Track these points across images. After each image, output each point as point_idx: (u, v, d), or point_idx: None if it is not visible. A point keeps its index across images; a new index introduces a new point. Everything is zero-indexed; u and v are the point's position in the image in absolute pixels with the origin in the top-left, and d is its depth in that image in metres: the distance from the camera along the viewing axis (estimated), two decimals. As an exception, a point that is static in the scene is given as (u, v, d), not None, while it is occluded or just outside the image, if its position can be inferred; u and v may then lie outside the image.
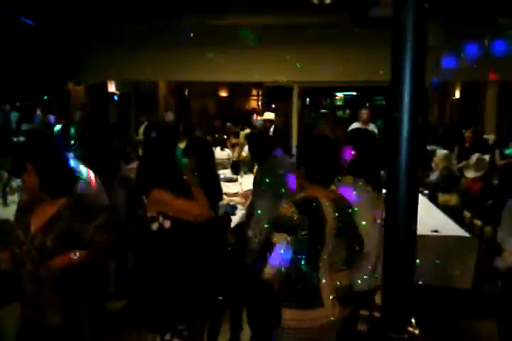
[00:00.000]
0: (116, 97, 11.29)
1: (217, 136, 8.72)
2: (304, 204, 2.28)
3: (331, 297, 2.26)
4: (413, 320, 1.11)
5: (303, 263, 2.25)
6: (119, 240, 2.46)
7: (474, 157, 5.57)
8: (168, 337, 2.59)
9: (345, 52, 8.07)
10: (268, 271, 2.22)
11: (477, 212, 5.11)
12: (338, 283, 2.31)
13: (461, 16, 6.90)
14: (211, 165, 3.43)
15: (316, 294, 2.26)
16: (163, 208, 2.54)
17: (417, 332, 1.10)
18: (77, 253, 2.26)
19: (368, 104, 13.02)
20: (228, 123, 9.88)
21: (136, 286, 2.74)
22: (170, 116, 9.19)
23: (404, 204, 1.10)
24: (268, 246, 2.29)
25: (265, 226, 3.29)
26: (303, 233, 2.23)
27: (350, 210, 2.41)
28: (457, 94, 12.57)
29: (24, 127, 10.01)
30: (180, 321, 2.62)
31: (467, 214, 5.33)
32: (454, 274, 3.85)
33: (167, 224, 2.56)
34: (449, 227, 4.26)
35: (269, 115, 8.42)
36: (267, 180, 3.50)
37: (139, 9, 6.96)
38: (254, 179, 3.84)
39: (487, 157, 6.22)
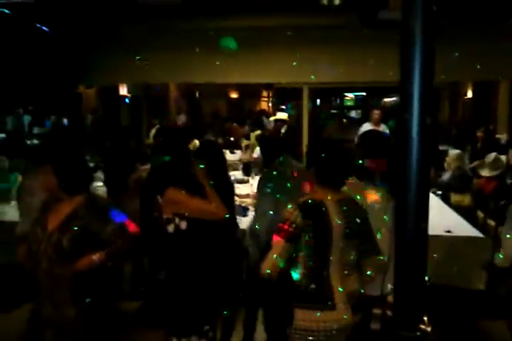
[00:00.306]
0: (127, 100, 11.38)
1: (226, 137, 8.74)
2: (308, 208, 2.28)
3: (343, 301, 2.25)
4: (425, 318, 1.12)
5: (311, 265, 2.26)
6: (136, 243, 2.49)
7: (491, 156, 5.49)
8: (194, 339, 2.61)
9: (355, 53, 8.06)
10: (265, 268, 2.25)
11: (490, 212, 5.07)
12: (349, 287, 2.29)
13: (471, 16, 6.87)
14: (223, 168, 3.45)
15: (328, 297, 2.25)
16: (179, 208, 2.55)
17: (429, 329, 1.11)
18: (98, 255, 2.31)
19: (378, 105, 12.99)
20: (234, 124, 9.85)
21: (154, 289, 2.76)
22: (182, 119, 9.23)
23: (415, 204, 1.12)
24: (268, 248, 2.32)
25: (256, 227, 3.30)
26: (307, 237, 2.24)
27: (359, 212, 2.39)
28: (469, 94, 12.49)
29: (36, 130, 10.14)
30: (206, 321, 2.64)
31: (480, 214, 5.29)
32: (468, 275, 3.82)
33: (183, 225, 2.57)
34: (462, 228, 4.23)
35: (282, 115, 8.27)
36: (271, 183, 3.50)
37: (149, 11, 7.01)
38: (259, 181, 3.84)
39: (504, 157, 6.15)
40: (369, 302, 2.04)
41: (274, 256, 2.23)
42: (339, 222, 2.27)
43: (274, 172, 3.48)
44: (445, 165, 6.28)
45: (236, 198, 4.95)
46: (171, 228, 2.56)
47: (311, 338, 2.24)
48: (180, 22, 7.53)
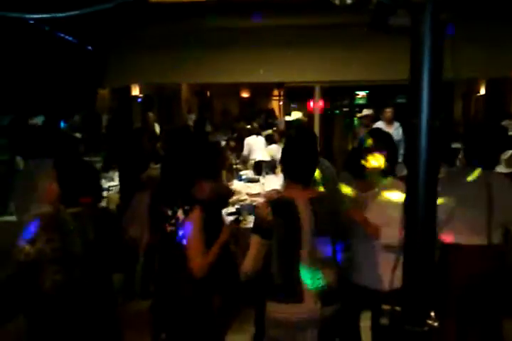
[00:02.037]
0: (140, 100, 11.46)
1: (234, 135, 8.68)
2: (279, 205, 2.35)
3: (312, 294, 2.33)
4: (432, 313, 1.16)
5: (282, 260, 2.35)
6: None
7: (508, 152, 5.42)
8: None
9: (366, 51, 8.04)
10: (245, 268, 2.36)
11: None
12: (320, 281, 2.36)
13: (482, 14, 6.83)
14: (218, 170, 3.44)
15: (296, 290, 2.33)
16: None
17: (436, 324, 1.15)
18: None
19: (390, 103, 12.90)
20: (241, 123, 9.81)
21: (162, 290, 2.75)
22: (193, 119, 9.29)
23: (424, 204, 1.15)
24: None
25: None
26: (278, 233, 2.31)
27: (331, 209, 2.44)
28: (482, 91, 12.39)
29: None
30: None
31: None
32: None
33: None
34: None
35: (297, 114, 8.16)
36: None
37: (162, 12, 7.05)
38: None
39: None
40: (377, 298, 2.08)
41: (254, 254, 2.33)
42: (309, 220, 2.33)
43: None
44: (457, 162, 6.24)
45: (246, 197, 5.01)
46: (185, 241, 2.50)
47: (282, 329, 2.34)
48: (193, 22, 7.57)
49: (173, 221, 2.48)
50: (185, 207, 2.44)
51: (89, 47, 7.80)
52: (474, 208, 3.08)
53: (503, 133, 3.70)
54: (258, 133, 7.62)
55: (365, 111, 8.88)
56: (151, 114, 9.14)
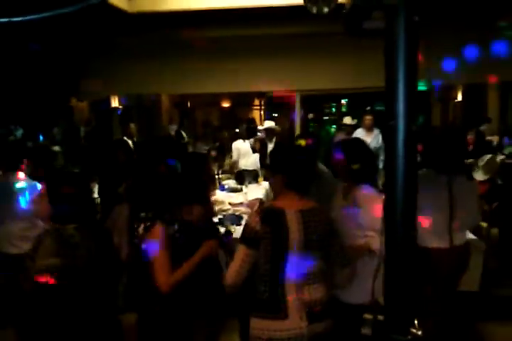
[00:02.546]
0: (119, 112, 11.36)
1: (216, 144, 8.66)
2: (268, 214, 2.25)
3: (297, 310, 2.20)
4: (416, 322, 1.13)
5: (267, 273, 2.23)
6: None
7: (485, 158, 5.48)
8: None
9: (346, 59, 8.11)
10: (229, 279, 2.23)
11: (483, 214, 5.08)
12: (309, 296, 2.24)
13: (460, 19, 6.96)
14: (203, 180, 3.41)
15: (280, 306, 2.20)
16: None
17: (420, 333, 1.12)
18: None
19: (370, 110, 13.05)
20: (224, 132, 9.79)
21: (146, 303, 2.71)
22: (174, 129, 9.25)
23: (403, 210, 1.13)
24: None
25: None
26: (264, 244, 2.20)
27: (324, 223, 2.32)
28: (459, 97, 12.59)
29: (29, 144, 10.06)
30: None
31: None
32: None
33: None
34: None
35: (270, 123, 8.09)
36: None
37: (141, 22, 7.03)
38: None
39: (499, 157, 6.12)
40: (358, 310, 1.95)
41: (237, 265, 2.20)
42: (298, 232, 2.22)
43: None
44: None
45: (229, 207, 4.96)
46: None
47: None
48: (171, 32, 7.57)
49: (137, 234, 2.45)
50: (147, 223, 2.39)
51: (64, 58, 7.72)
52: (437, 211, 3.11)
53: (461, 139, 3.77)
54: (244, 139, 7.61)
55: (346, 120, 8.91)
56: (132, 125, 9.06)
